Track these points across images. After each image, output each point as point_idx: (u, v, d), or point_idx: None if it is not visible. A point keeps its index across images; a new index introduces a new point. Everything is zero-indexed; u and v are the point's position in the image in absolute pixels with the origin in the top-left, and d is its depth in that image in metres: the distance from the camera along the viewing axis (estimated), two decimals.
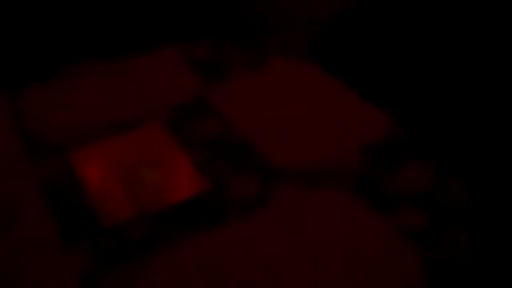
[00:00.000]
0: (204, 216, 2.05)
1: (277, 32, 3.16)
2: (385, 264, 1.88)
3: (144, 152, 2.37)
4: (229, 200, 2.12)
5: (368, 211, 2.07)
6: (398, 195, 2.13)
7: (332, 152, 2.34)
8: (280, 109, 2.60)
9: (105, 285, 1.82)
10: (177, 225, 2.02)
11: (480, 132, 2.38)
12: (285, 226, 2.01)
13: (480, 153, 2.28)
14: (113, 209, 2.09)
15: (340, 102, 2.65)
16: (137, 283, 1.83)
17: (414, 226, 2.01)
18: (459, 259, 1.88)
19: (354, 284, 1.81)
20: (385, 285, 1.81)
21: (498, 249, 1.90)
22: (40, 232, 2.01)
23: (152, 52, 3.08)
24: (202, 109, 2.62)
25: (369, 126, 2.49)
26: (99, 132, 2.50)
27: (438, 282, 1.81)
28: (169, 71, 2.92)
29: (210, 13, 3.35)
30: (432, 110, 2.53)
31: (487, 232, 1.96)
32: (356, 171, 2.23)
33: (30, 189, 2.20)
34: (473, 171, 2.20)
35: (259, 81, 2.82)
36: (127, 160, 2.32)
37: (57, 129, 2.54)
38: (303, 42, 3.14)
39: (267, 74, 2.88)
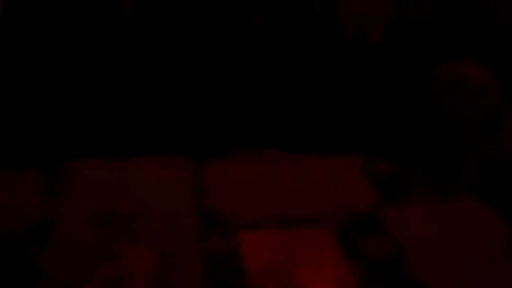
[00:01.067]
0: None
1: (463, 165, 3.10)
2: None
3: (308, 253, 2.38)
4: None
5: None
6: None
7: None
8: (455, 249, 2.49)
9: None
10: None
11: None
12: None
13: None
14: None
15: None
16: None
17: None
18: None
19: None
20: None
21: None
22: None
23: (332, 156, 3.15)
24: (373, 226, 2.59)
25: None
26: (269, 220, 2.55)
27: None
28: (346, 179, 2.93)
29: (396, 132, 3.38)
30: None
31: None
32: None
33: (193, 262, 2.30)
34: None
35: (437, 213, 2.73)
36: (289, 257, 2.34)
37: (231, 206, 2.63)
38: (492, 178, 3.04)
39: (446, 206, 2.80)
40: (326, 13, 3.19)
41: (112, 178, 2.84)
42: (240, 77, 3.22)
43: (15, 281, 2.14)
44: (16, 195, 2.68)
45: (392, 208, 2.73)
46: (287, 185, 2.83)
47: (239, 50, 3.18)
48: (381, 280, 2.25)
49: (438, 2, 3.28)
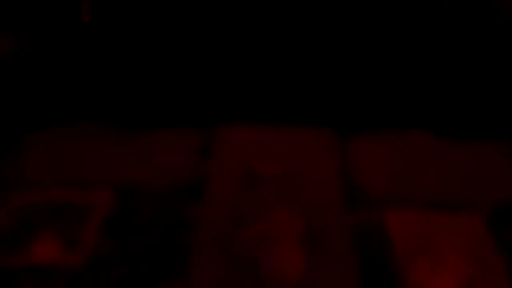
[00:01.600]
0: None
1: None
2: None
3: (455, 237, 2.32)
4: None
5: None
6: None
7: None
8: None
9: None
10: None
11: None
12: None
13: None
14: None
15: None
16: None
17: None
18: None
19: None
20: None
21: None
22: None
23: (480, 142, 3.04)
24: None
25: None
26: (416, 200, 2.52)
27: None
28: (496, 167, 2.78)
29: None
30: None
31: None
32: None
33: (339, 233, 2.34)
34: None
35: None
36: (437, 239, 2.30)
37: (377, 183, 2.63)
38: None
39: None
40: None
41: (260, 143, 2.90)
42: (395, 57, 3.20)
43: (171, 232, 2.29)
44: (173, 154, 2.84)
45: None
46: (433, 168, 2.77)
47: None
48: None
49: None
